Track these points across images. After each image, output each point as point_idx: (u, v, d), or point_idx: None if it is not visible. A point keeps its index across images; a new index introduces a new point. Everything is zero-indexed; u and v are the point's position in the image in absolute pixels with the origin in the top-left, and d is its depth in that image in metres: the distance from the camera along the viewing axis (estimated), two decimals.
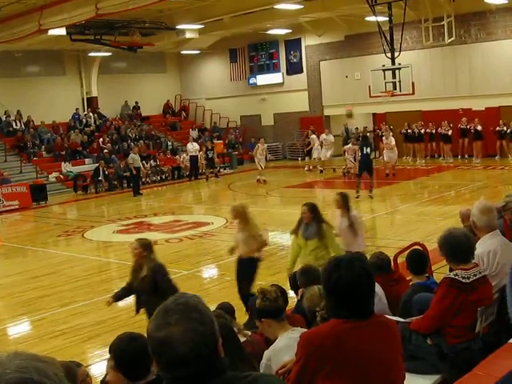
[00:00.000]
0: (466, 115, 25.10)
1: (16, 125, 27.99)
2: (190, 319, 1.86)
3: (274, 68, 31.61)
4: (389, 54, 23.12)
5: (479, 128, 24.49)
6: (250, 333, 4.86)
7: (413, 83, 23.01)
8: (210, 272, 12.22)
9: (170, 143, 30.17)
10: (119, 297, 7.48)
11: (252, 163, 30.87)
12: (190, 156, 26.83)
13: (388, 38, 23.14)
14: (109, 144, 28.04)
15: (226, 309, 5.71)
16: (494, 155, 24.80)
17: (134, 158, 23.56)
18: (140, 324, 6.84)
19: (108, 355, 4.05)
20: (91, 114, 30.55)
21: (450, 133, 25.27)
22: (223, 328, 2.12)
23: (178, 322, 1.86)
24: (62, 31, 22.43)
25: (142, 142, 29.00)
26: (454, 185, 20.32)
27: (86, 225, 17.78)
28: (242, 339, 4.66)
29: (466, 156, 25.39)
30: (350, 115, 29.02)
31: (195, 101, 34.48)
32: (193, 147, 26.77)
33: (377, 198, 19.31)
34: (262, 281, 10.02)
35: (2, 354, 1.33)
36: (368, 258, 5.70)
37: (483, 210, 5.07)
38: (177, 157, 28.36)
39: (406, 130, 26.31)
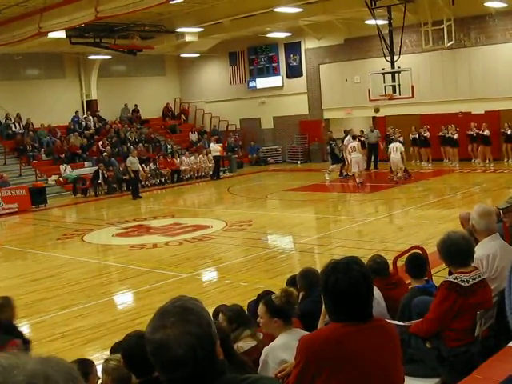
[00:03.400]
0: (465, 119, 25.09)
1: (15, 127, 28.01)
2: (186, 321, 1.86)
3: (274, 71, 31.63)
4: (388, 58, 23.16)
5: (486, 133, 24.25)
6: (261, 335, 4.84)
7: (412, 87, 23.05)
8: (209, 275, 12.22)
9: (169, 146, 30.16)
10: None
11: (252, 166, 30.95)
12: (214, 156, 27.14)
13: (388, 41, 23.19)
14: (108, 147, 28.02)
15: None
16: (496, 159, 24.71)
17: (132, 161, 23.52)
18: (139, 327, 6.82)
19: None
20: (91, 116, 30.56)
21: (456, 137, 25.15)
22: (219, 331, 2.12)
23: (174, 324, 1.86)
24: (62, 34, 22.47)
25: (141, 144, 28.99)
26: (454, 188, 20.33)
27: (85, 228, 17.76)
28: (253, 343, 4.67)
29: (477, 160, 25.07)
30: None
31: (195, 104, 34.50)
32: (216, 147, 27.02)
33: (377, 200, 19.33)
34: (261, 284, 10.04)
35: (18, 355, 1.33)
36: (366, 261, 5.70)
37: (482, 213, 5.08)
38: (174, 159, 28.30)
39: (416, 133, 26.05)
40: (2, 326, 5.57)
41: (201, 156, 28.40)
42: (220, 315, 5.13)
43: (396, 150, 21.47)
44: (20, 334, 5.79)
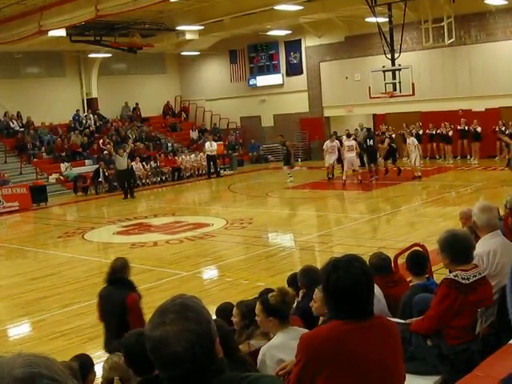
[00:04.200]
0: (465, 116, 25.10)
1: (13, 124, 27.97)
2: (185, 319, 1.87)
3: (274, 69, 31.61)
4: (389, 55, 23.15)
5: (479, 129, 24.42)
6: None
7: (413, 84, 23.02)
8: (210, 273, 12.22)
9: (170, 144, 30.16)
10: None
11: (252, 164, 30.93)
12: (207, 155, 27.01)
13: (388, 38, 23.18)
14: (109, 145, 28.01)
15: (228, 310, 5.70)
16: (493, 156, 24.76)
17: (118, 159, 23.02)
18: None
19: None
20: (91, 115, 30.54)
21: (450, 133, 25.22)
22: (220, 329, 2.12)
23: (173, 321, 1.86)
24: (62, 32, 22.45)
25: (139, 143, 28.92)
26: (454, 186, 20.31)
27: (86, 226, 17.76)
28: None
29: (468, 157, 25.30)
30: None
31: (195, 102, 34.49)
32: (210, 146, 26.94)
33: (377, 198, 19.33)
34: (262, 282, 10.04)
35: (5, 354, 1.33)
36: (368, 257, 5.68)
37: (483, 208, 5.09)
38: (175, 157, 28.26)
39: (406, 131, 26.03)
40: (125, 281, 6.39)
41: (201, 154, 28.38)
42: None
43: (416, 147, 21.43)
44: (136, 289, 6.49)
